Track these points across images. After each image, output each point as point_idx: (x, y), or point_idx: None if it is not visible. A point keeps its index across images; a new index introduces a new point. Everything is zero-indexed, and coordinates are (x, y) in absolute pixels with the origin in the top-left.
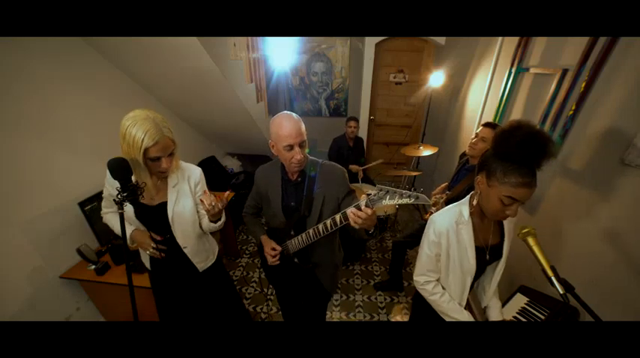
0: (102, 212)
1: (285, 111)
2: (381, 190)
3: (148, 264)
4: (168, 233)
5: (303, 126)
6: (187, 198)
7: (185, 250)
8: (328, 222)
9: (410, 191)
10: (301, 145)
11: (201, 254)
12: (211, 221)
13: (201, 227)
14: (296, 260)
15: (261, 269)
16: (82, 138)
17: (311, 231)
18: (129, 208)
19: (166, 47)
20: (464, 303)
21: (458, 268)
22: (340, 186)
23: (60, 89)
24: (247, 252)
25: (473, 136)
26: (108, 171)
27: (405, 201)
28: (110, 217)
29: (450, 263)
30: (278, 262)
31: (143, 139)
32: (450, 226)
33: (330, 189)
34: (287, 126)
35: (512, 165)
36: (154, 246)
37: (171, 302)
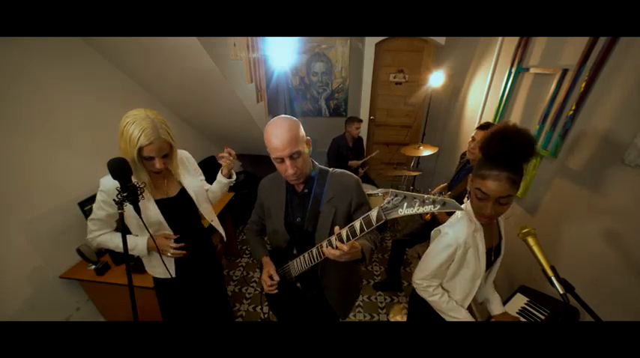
0: (92, 236)
1: (279, 117)
2: (396, 196)
3: (172, 271)
4: (196, 218)
5: (298, 133)
6: (193, 177)
7: (213, 223)
8: (333, 238)
9: (433, 195)
10: (293, 157)
11: (218, 226)
12: (227, 177)
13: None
14: (298, 285)
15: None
16: (82, 138)
17: (314, 250)
18: (148, 213)
19: (166, 47)
20: (465, 305)
21: (469, 273)
22: (353, 198)
23: (60, 89)
24: (247, 251)
25: (470, 140)
26: (99, 190)
27: (429, 208)
28: (107, 237)
29: (461, 270)
30: (275, 291)
31: (139, 138)
32: (468, 236)
33: (343, 201)
34: (275, 136)
35: (487, 160)
36: (174, 245)
37: (193, 294)
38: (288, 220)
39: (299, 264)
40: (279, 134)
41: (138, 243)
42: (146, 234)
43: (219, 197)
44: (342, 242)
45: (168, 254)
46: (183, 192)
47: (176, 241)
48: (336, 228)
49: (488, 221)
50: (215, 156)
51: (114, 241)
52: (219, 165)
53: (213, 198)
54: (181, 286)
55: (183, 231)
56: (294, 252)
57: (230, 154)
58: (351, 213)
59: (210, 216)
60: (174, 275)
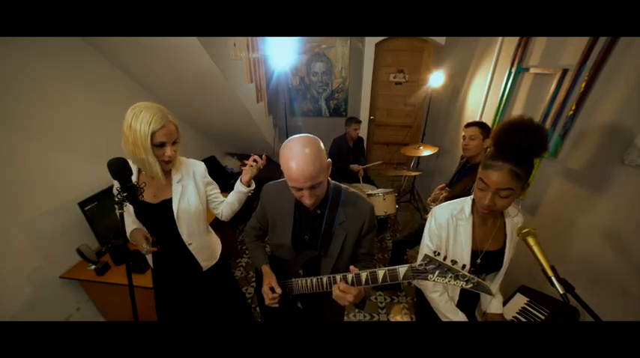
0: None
1: (301, 139)
2: (430, 262)
3: (150, 261)
4: (172, 231)
5: (323, 161)
6: (193, 194)
7: (190, 247)
8: (350, 276)
9: (467, 273)
10: (314, 187)
11: (206, 251)
12: (246, 185)
13: (208, 223)
14: (299, 305)
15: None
16: (82, 138)
17: (325, 278)
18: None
19: (166, 47)
20: (456, 299)
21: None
22: (366, 223)
23: (60, 89)
24: (247, 252)
25: (461, 140)
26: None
27: (461, 284)
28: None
29: (447, 259)
30: (276, 305)
31: (150, 123)
32: (449, 219)
33: (355, 226)
34: (297, 166)
35: (496, 151)
36: (146, 246)
37: (171, 301)
38: (295, 236)
39: (304, 285)
40: (300, 164)
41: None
42: (139, 225)
43: (237, 208)
44: (360, 284)
45: (143, 251)
46: (166, 203)
47: (153, 244)
48: (354, 268)
49: (488, 212)
50: (215, 157)
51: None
52: (220, 166)
53: (231, 210)
54: (159, 280)
55: (162, 238)
56: (300, 271)
57: (257, 162)
58: (361, 236)
59: (188, 237)
60: (152, 265)
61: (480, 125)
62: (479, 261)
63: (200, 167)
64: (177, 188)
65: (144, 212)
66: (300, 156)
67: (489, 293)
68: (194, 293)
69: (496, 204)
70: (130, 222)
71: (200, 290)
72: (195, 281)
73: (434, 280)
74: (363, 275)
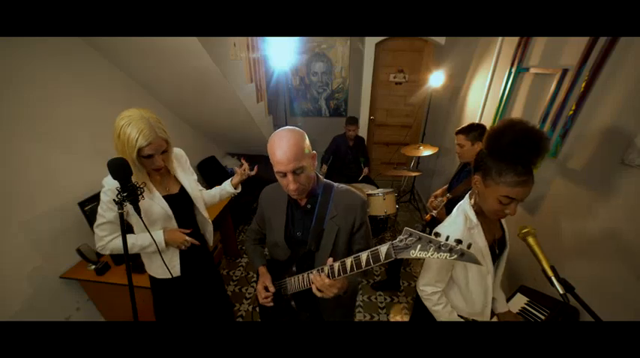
0: (103, 243)
1: (285, 128)
2: (410, 236)
3: (177, 269)
4: (193, 215)
5: (304, 147)
6: (187, 175)
7: (210, 220)
8: (336, 266)
9: (450, 242)
10: (296, 172)
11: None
12: (235, 187)
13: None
14: (293, 303)
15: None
16: (82, 138)
17: (315, 272)
18: (156, 209)
19: (166, 47)
20: (489, 305)
21: (476, 273)
22: (357, 218)
23: (60, 89)
24: (246, 254)
25: (457, 146)
26: (104, 191)
27: (444, 256)
28: (120, 241)
29: (468, 271)
30: (271, 304)
31: (137, 139)
32: (464, 234)
33: (347, 220)
34: (279, 149)
35: (506, 164)
36: (189, 239)
37: (196, 298)
38: (288, 234)
39: (297, 283)
40: (283, 147)
41: (154, 237)
42: (154, 231)
43: (216, 203)
44: (345, 272)
45: (182, 247)
46: (183, 189)
47: (187, 234)
48: (348, 259)
49: (504, 216)
50: (215, 157)
51: (129, 241)
52: (220, 166)
53: (210, 201)
54: (182, 285)
55: (186, 227)
56: (294, 268)
57: (246, 171)
58: (353, 232)
59: (205, 213)
60: (179, 273)
61: (465, 131)
62: (497, 251)
63: (183, 153)
64: (180, 175)
65: (175, 203)
66: (283, 140)
67: (476, 262)
68: (209, 273)
69: (514, 211)
70: (160, 226)
71: (213, 270)
72: (207, 261)
73: (416, 255)
74: (348, 261)
